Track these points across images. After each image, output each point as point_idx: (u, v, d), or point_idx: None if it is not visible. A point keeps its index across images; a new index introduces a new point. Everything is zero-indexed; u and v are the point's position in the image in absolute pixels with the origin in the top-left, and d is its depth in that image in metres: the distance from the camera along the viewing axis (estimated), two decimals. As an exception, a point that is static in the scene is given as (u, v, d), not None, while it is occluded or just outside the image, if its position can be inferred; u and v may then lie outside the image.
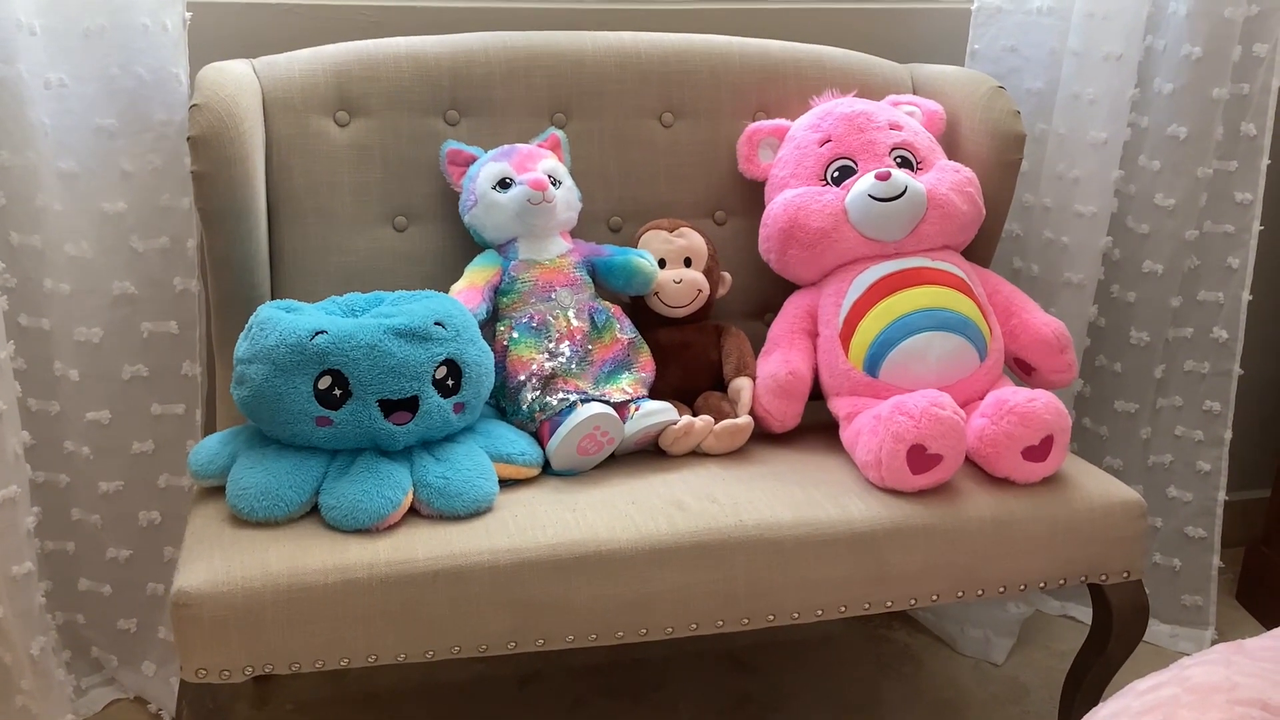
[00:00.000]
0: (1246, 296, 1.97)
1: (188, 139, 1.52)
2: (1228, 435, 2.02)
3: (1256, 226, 1.94)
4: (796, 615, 1.44)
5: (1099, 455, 2.08)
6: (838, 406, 1.60)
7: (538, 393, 1.53)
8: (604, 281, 1.66)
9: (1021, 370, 1.68)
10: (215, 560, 1.31)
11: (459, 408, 1.44)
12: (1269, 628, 1.24)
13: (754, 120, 1.80)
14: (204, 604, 1.27)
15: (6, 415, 1.58)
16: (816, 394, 1.64)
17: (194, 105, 1.52)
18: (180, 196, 1.68)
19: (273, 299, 1.63)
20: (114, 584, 1.81)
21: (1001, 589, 1.51)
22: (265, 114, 1.63)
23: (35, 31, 1.57)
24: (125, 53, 1.61)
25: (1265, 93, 1.88)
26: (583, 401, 1.51)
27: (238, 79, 1.59)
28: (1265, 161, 1.91)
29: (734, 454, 1.57)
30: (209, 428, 1.74)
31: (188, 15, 1.63)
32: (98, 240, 1.67)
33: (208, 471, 1.44)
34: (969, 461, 1.52)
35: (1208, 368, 2.02)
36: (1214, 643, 2.02)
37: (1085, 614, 2.04)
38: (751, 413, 1.60)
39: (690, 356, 1.66)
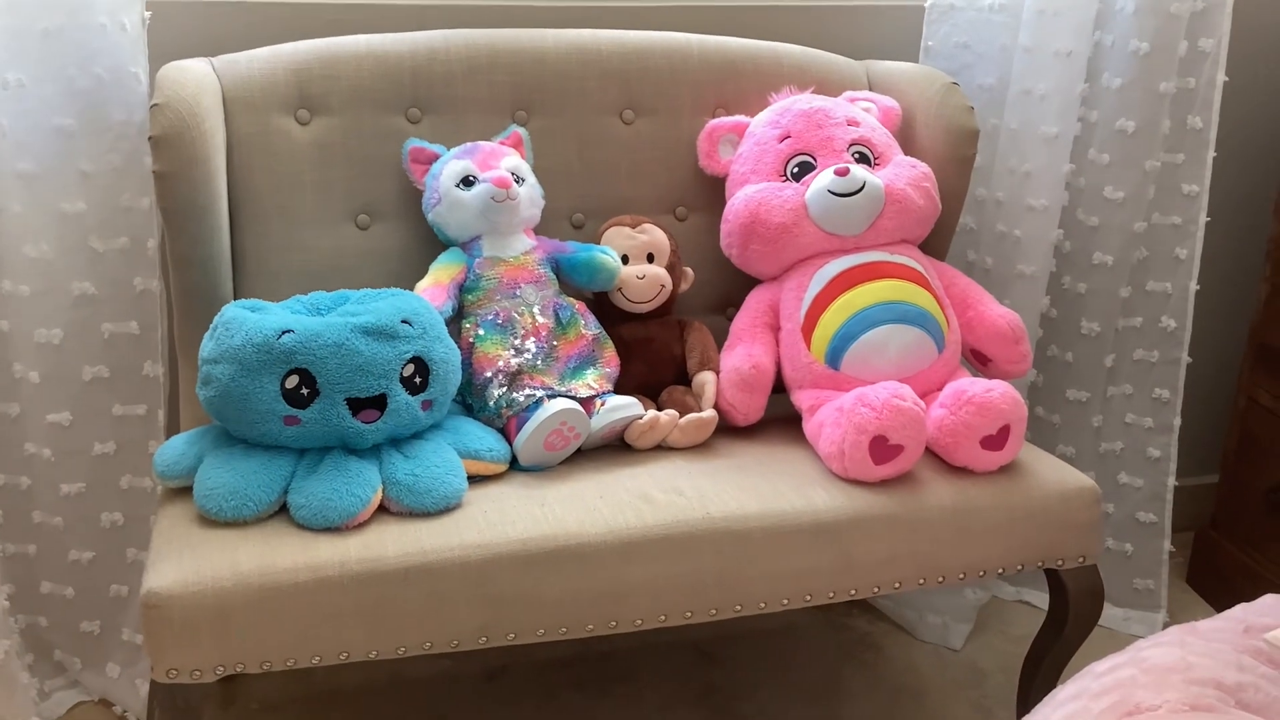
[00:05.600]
0: (1194, 286, 2.01)
1: (149, 139, 1.51)
2: (1177, 422, 2.07)
3: (1203, 218, 1.98)
4: (763, 605, 1.47)
5: (1052, 443, 2.12)
6: (800, 399, 1.63)
7: (504, 389, 1.54)
8: (568, 278, 1.67)
9: (978, 361, 1.72)
10: (185, 560, 1.31)
11: (427, 405, 1.45)
12: (1219, 610, 1.27)
13: (714, 117, 1.82)
14: (174, 604, 1.27)
15: (-34, 418, 1.57)
16: (779, 387, 1.67)
17: (155, 105, 1.51)
18: (140, 196, 1.67)
19: (236, 299, 1.63)
20: (77, 586, 1.79)
21: (962, 575, 1.54)
22: (226, 113, 1.63)
23: (-9, 31, 1.56)
24: (84, 52, 1.60)
25: (1211, 87, 1.92)
26: (549, 397, 1.52)
27: (198, 78, 1.59)
28: (1211, 154, 1.95)
29: (699, 447, 1.59)
30: (171, 428, 1.73)
31: (147, 14, 1.62)
32: (57, 241, 1.66)
33: (174, 472, 1.44)
34: (929, 451, 1.55)
35: (1157, 356, 2.06)
36: (1166, 625, 2.07)
37: (1040, 599, 2.08)
38: (716, 406, 1.62)
39: (654, 351, 1.68)
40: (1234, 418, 2.19)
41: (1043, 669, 1.67)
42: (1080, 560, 1.59)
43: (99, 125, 1.64)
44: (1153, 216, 2.01)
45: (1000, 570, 1.57)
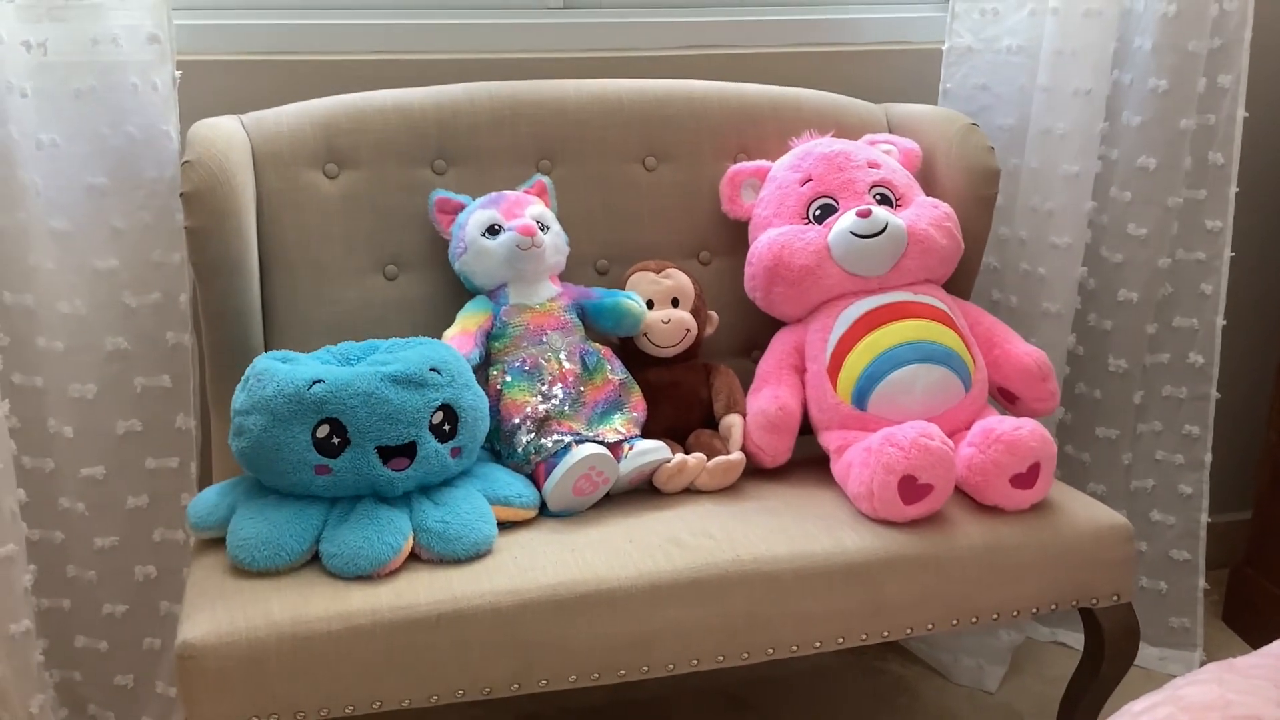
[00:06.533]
0: (1220, 322, 2.01)
1: (181, 195, 1.54)
2: (1208, 458, 2.06)
3: (1227, 253, 1.98)
4: (795, 648, 1.46)
5: (1082, 482, 2.11)
6: (828, 440, 1.63)
7: (532, 435, 1.54)
8: (593, 323, 1.68)
9: (1005, 399, 1.71)
10: (218, 611, 1.32)
11: (456, 452, 1.46)
12: (1255, 647, 1.26)
13: (735, 162, 1.83)
14: (208, 655, 1.28)
15: (2, 473, 1.58)
16: (806, 429, 1.67)
17: (186, 162, 1.54)
18: (171, 252, 1.70)
19: (266, 350, 1.64)
20: (111, 640, 1.80)
21: (995, 616, 1.53)
22: (255, 168, 1.66)
23: (26, 93, 1.60)
24: (116, 112, 1.64)
25: (1231, 122, 1.93)
26: (577, 443, 1.53)
27: (228, 135, 1.62)
28: (1234, 189, 1.96)
29: (727, 490, 1.59)
30: (204, 481, 1.74)
31: (177, 74, 1.66)
32: (90, 297, 1.68)
33: (207, 523, 1.45)
34: (958, 491, 1.54)
35: (1185, 393, 2.05)
36: (1202, 664, 2.04)
37: (1075, 639, 2.06)
38: (743, 449, 1.63)
39: (681, 395, 1.69)
40: (1265, 453, 2.17)
41: (1080, 710, 1.65)
42: (1114, 599, 1.57)
43: (131, 183, 1.67)
44: (1177, 253, 2.01)
45: (1034, 610, 1.56)
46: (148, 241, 1.69)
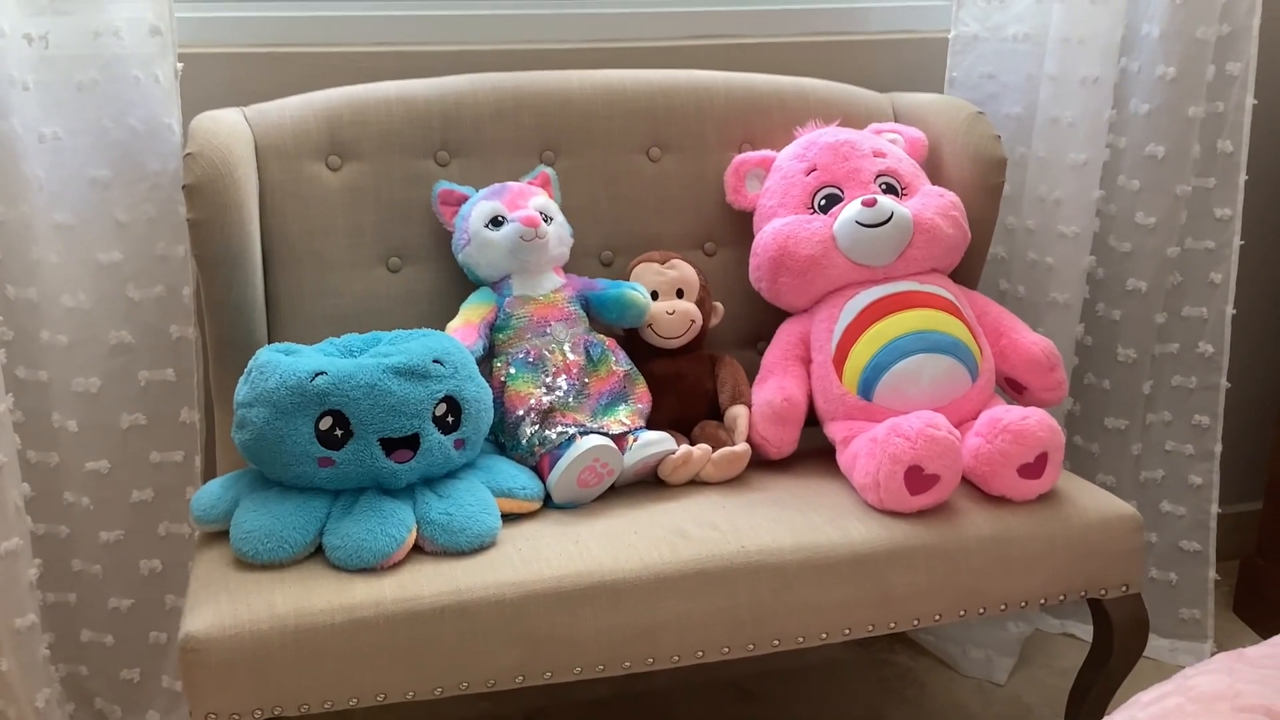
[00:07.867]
0: (1230, 311, 1.99)
1: (183, 187, 1.54)
2: (1218, 449, 2.04)
3: (1237, 242, 1.97)
4: (801, 640, 1.45)
5: (1091, 472, 2.10)
6: (834, 431, 1.62)
7: (536, 427, 1.54)
8: (598, 315, 1.67)
9: (1013, 389, 1.70)
10: (222, 604, 1.32)
11: (459, 444, 1.45)
12: (1266, 638, 1.25)
13: (740, 152, 1.82)
14: (212, 648, 1.28)
15: (6, 468, 1.58)
16: (812, 420, 1.66)
17: (188, 154, 1.54)
18: (175, 245, 1.70)
19: (270, 343, 1.64)
20: (116, 634, 1.80)
21: (1003, 606, 1.52)
22: (258, 161, 1.65)
23: (28, 87, 1.59)
24: (118, 105, 1.63)
25: (1240, 110, 1.91)
26: (581, 434, 1.52)
27: (230, 127, 1.61)
28: (1243, 177, 1.94)
29: (733, 481, 1.59)
30: (208, 474, 1.74)
31: (179, 67, 1.65)
32: (94, 291, 1.68)
33: (210, 516, 1.45)
34: (965, 481, 1.53)
35: (1195, 382, 2.04)
36: (1213, 655, 2.03)
37: (1085, 631, 2.05)
38: (748, 440, 1.62)
39: (685, 386, 1.68)
40: (1276, 442, 2.15)
41: (1088, 702, 1.64)
42: (1123, 589, 1.56)
43: (134, 176, 1.66)
44: (1185, 241, 1.99)
45: (1042, 600, 1.54)
46: (151, 234, 1.69)
